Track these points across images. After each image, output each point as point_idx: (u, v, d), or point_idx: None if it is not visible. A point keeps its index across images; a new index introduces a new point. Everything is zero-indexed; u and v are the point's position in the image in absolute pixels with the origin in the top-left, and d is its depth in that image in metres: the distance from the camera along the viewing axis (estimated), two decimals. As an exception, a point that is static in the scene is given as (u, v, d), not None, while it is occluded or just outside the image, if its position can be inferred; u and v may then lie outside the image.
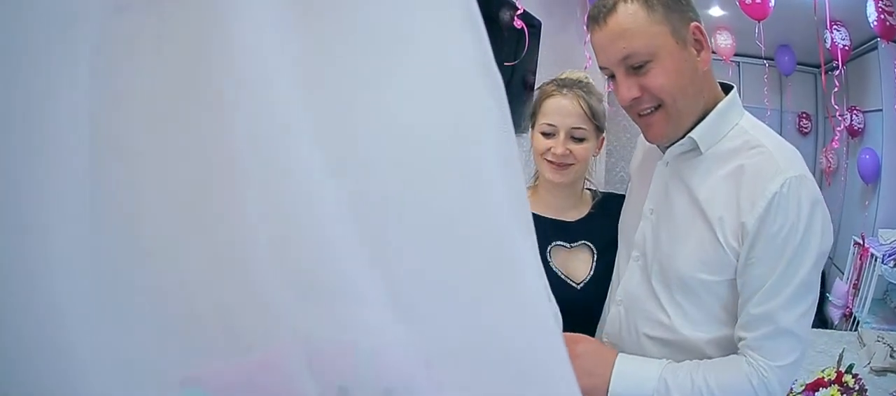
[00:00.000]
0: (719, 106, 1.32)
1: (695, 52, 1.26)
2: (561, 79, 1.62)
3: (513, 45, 3.44)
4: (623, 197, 1.68)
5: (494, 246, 0.55)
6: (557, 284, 1.54)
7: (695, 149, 1.32)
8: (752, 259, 1.23)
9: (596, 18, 1.28)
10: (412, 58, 0.54)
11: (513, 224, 0.55)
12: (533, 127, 1.61)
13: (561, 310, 1.50)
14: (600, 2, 1.28)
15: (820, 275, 1.26)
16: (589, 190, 1.71)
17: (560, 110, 1.55)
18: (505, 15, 3.35)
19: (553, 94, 1.58)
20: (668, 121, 1.30)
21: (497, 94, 0.58)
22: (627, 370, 1.34)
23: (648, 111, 1.30)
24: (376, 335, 0.59)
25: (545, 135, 1.56)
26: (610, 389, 1.32)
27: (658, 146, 1.42)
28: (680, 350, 1.35)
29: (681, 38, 1.24)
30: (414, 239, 0.56)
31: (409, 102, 0.55)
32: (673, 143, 1.35)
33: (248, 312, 0.58)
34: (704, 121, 1.30)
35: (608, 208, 1.67)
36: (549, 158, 1.55)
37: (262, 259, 0.56)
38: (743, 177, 1.25)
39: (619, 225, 1.59)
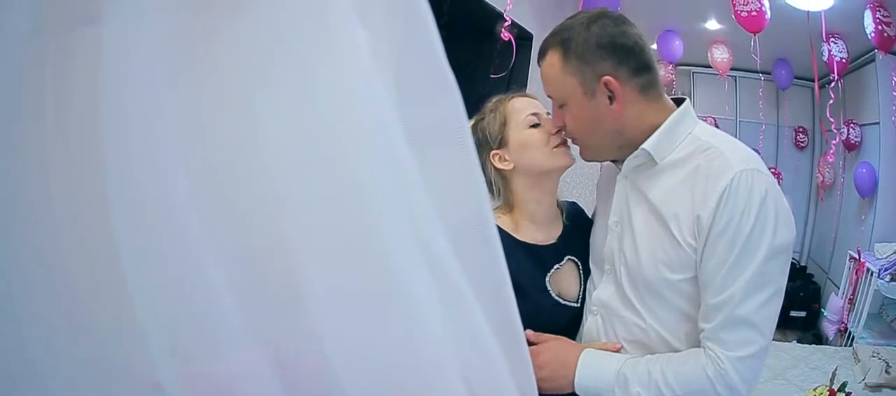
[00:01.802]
0: (670, 118, 1.37)
1: (607, 101, 1.34)
2: (505, 95, 1.63)
3: (505, 57, 3.43)
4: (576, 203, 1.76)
5: (377, 266, 0.53)
6: (560, 310, 1.55)
7: (650, 160, 1.38)
8: (707, 252, 1.26)
9: (538, 57, 1.43)
10: (298, 80, 0.52)
11: (401, 237, 0.53)
12: (506, 143, 1.55)
13: (566, 331, 1.54)
14: (544, 39, 1.42)
15: (782, 269, 1.28)
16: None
17: (532, 103, 1.56)
18: (497, 28, 3.34)
19: (514, 97, 1.58)
20: (585, 151, 1.46)
21: (443, 98, 0.56)
22: (590, 362, 1.39)
23: (571, 138, 1.47)
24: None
25: (535, 126, 1.52)
26: (575, 380, 1.37)
27: (615, 163, 1.50)
28: (658, 353, 1.38)
29: (589, 90, 1.34)
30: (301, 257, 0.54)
31: (295, 124, 0.53)
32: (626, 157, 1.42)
33: (215, 319, 0.56)
34: (655, 133, 1.36)
35: (575, 218, 1.69)
36: (557, 142, 1.50)
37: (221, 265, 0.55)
38: (697, 177, 1.30)
39: (590, 241, 1.61)
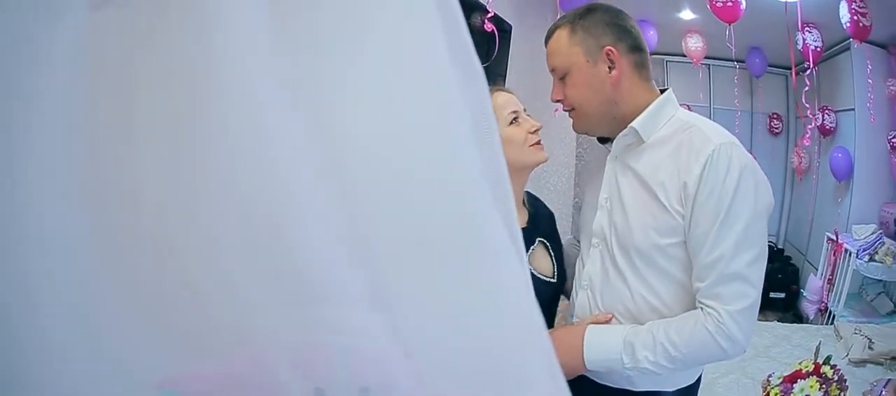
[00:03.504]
0: (657, 101, 1.53)
1: (607, 70, 1.51)
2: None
3: (483, 48, 3.44)
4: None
5: (471, 241, 0.55)
6: (541, 285, 1.64)
7: (638, 139, 1.53)
8: (695, 217, 1.39)
9: (545, 40, 1.60)
10: (385, 55, 0.54)
11: (490, 217, 0.55)
12: None
13: (544, 304, 1.58)
14: (552, 25, 1.60)
15: (765, 232, 1.41)
16: None
17: (512, 100, 1.65)
18: (476, 18, 3.36)
19: (496, 91, 1.65)
20: (581, 120, 1.60)
21: (475, 87, 0.58)
22: (595, 338, 1.48)
23: (569, 110, 1.60)
24: (353, 333, 0.59)
25: (513, 123, 1.61)
26: (585, 358, 1.46)
27: (604, 144, 1.66)
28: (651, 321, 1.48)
29: (592, 58, 1.51)
30: (392, 236, 0.56)
31: (384, 101, 0.55)
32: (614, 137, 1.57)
33: (225, 314, 0.57)
34: (643, 113, 1.52)
35: (534, 204, 1.81)
36: (534, 140, 1.61)
37: (237, 259, 0.56)
38: (681, 150, 1.44)
39: (581, 221, 1.73)
